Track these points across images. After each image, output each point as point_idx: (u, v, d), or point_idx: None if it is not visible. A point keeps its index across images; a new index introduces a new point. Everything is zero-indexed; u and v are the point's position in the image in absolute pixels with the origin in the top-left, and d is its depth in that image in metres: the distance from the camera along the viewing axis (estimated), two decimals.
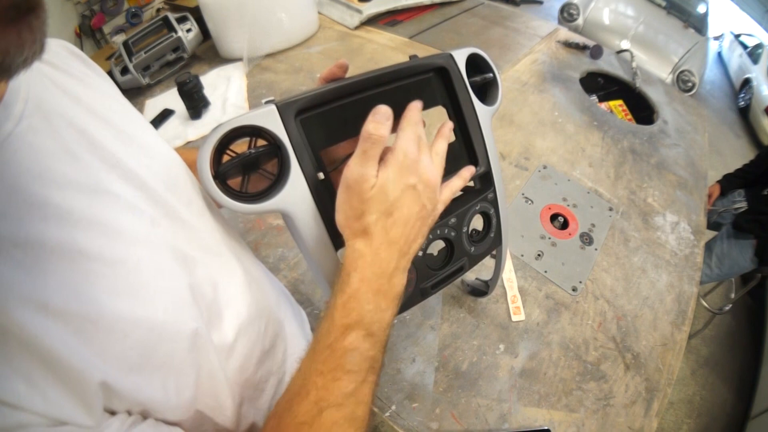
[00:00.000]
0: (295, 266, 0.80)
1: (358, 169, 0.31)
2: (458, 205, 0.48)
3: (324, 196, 0.36)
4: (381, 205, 0.31)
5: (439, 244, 0.48)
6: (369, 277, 0.31)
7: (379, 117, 0.31)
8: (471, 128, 0.46)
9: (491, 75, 0.48)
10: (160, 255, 0.30)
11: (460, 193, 0.49)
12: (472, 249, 0.50)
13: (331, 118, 0.38)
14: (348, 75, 0.40)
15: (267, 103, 0.34)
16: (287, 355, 0.47)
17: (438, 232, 0.46)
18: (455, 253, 0.48)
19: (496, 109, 0.48)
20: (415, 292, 0.47)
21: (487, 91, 0.49)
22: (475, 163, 0.47)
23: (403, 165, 0.32)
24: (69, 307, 0.24)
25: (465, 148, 0.47)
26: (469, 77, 0.46)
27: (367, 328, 0.31)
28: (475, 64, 0.47)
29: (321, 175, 0.37)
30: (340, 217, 0.33)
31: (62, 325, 0.23)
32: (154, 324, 0.28)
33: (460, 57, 0.45)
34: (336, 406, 0.29)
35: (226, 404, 0.36)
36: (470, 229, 0.49)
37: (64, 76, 0.31)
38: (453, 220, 0.47)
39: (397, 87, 0.42)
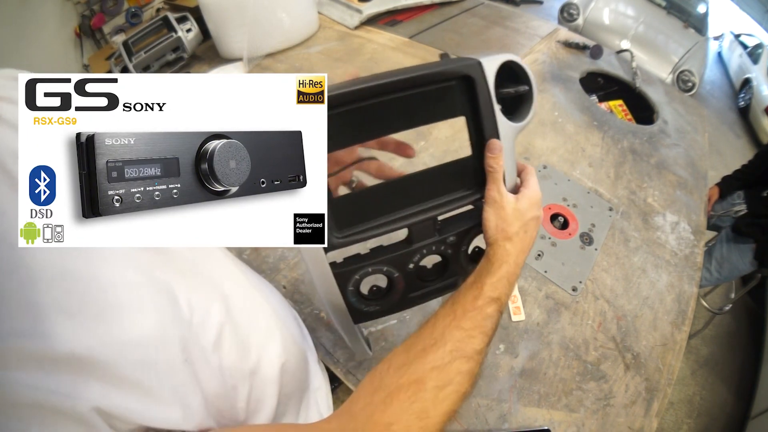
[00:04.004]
0: (295, 266, 0.80)
1: (499, 196, 0.42)
2: (460, 224, 0.46)
3: None
4: (520, 222, 0.42)
5: (435, 258, 0.47)
6: (511, 270, 0.41)
7: (496, 152, 0.42)
8: None
9: (526, 88, 0.43)
10: (134, 274, 0.31)
11: (470, 207, 0.46)
12: (470, 268, 0.47)
13: (342, 122, 0.37)
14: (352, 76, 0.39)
15: None
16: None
17: (433, 248, 0.45)
18: (449, 270, 0.47)
19: (524, 126, 0.44)
20: (402, 300, 0.46)
21: (519, 104, 0.45)
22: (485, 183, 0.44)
23: (532, 201, 0.43)
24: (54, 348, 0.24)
25: (480, 167, 0.43)
26: (501, 87, 0.42)
27: (503, 304, 0.40)
28: (512, 72, 0.43)
29: None
30: (491, 226, 0.42)
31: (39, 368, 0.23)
32: (142, 340, 0.28)
33: (491, 65, 0.41)
34: (466, 359, 0.35)
35: (239, 395, 0.37)
36: (472, 247, 0.48)
37: (8, 105, 0.30)
38: (452, 238, 0.45)
39: (415, 93, 0.39)
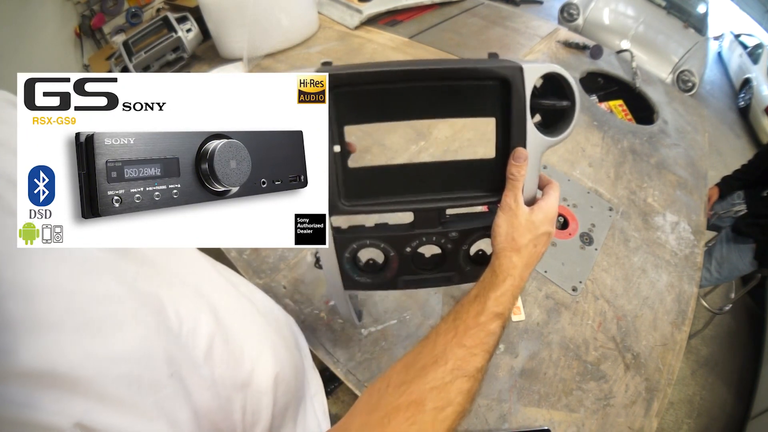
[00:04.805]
0: (295, 266, 0.80)
1: (515, 205, 0.41)
2: (466, 223, 0.46)
3: (336, 166, 0.39)
4: (531, 234, 0.41)
5: (435, 249, 0.47)
6: (516, 283, 0.40)
7: (521, 161, 0.41)
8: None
9: (567, 103, 0.41)
10: (118, 287, 0.30)
11: (483, 209, 0.46)
12: (468, 268, 0.48)
13: (369, 99, 0.39)
14: None
15: (324, 64, 0.37)
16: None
17: (433, 238, 0.45)
18: (445, 264, 0.47)
19: (557, 142, 0.42)
20: (393, 280, 0.48)
21: (557, 119, 0.43)
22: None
23: (547, 216, 0.42)
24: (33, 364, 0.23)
25: (501, 171, 0.42)
26: (540, 97, 0.41)
27: (506, 319, 0.39)
28: (557, 85, 0.41)
29: (337, 148, 0.39)
30: (501, 233, 0.41)
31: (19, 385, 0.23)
32: (125, 355, 0.28)
33: (532, 73, 0.40)
34: (467, 378, 0.34)
35: (233, 407, 0.37)
36: (475, 249, 0.48)
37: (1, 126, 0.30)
38: (454, 234, 0.45)
39: (452, 85, 0.39)
